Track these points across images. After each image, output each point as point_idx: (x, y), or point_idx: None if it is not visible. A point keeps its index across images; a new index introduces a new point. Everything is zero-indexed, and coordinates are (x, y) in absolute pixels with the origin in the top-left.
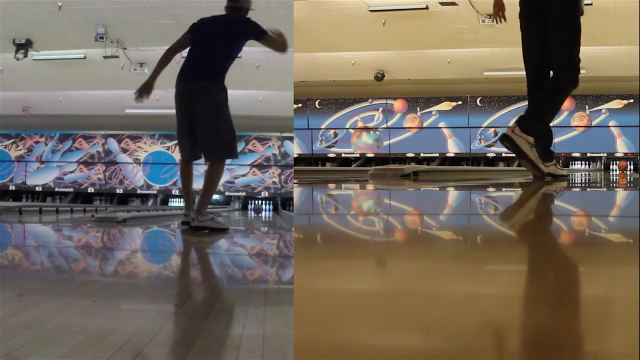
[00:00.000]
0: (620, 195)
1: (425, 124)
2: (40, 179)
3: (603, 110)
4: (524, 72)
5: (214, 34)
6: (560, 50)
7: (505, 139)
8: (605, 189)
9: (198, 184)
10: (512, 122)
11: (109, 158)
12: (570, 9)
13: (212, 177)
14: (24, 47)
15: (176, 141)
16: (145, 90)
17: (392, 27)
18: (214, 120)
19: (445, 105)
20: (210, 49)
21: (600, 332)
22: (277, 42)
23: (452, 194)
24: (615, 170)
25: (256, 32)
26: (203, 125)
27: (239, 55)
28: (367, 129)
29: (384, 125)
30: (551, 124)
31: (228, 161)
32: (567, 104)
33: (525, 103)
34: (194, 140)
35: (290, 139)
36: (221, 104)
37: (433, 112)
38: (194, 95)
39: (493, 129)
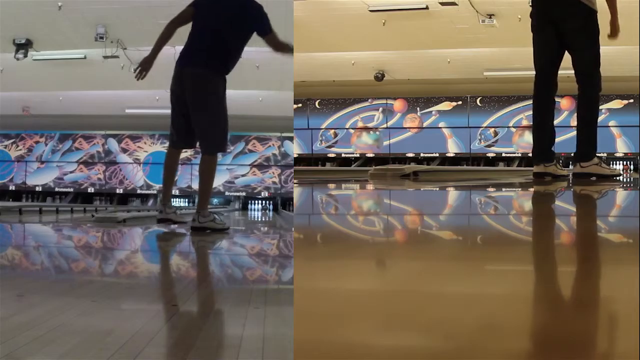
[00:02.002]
0: (621, 195)
1: (425, 124)
2: (40, 179)
3: (603, 110)
4: (524, 72)
5: (216, 13)
6: (586, 57)
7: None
8: (607, 189)
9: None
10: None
11: (109, 158)
12: (587, 15)
13: (207, 173)
14: (24, 47)
15: None
16: (145, 65)
17: (392, 27)
18: (210, 112)
19: (445, 105)
20: (212, 29)
21: (601, 332)
22: (280, 43)
23: (452, 194)
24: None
25: (260, 25)
26: (199, 115)
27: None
28: (367, 129)
29: (384, 125)
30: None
31: (228, 160)
32: (567, 103)
33: (526, 103)
34: (187, 129)
35: (290, 139)
36: (219, 95)
37: (433, 112)
38: (191, 82)
39: (493, 129)
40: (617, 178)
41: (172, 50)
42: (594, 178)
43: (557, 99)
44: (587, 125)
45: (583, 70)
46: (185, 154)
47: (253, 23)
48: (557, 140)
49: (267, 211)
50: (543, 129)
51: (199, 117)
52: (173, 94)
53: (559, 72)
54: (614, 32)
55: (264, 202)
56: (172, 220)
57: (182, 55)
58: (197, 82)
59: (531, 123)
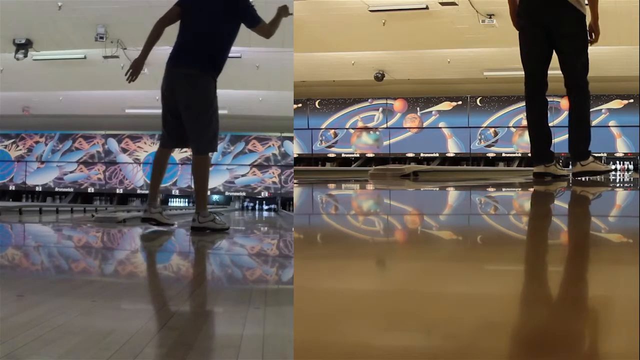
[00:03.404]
0: (621, 195)
1: (425, 124)
2: (40, 179)
3: (603, 110)
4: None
5: (204, 10)
6: (577, 62)
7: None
8: (607, 189)
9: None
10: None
11: (109, 158)
12: (578, 19)
13: (200, 173)
14: (24, 47)
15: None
16: (136, 67)
17: (392, 27)
18: (201, 112)
19: (445, 105)
20: (200, 28)
21: (600, 332)
22: (271, 30)
23: (452, 194)
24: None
25: (249, 17)
26: (190, 116)
27: (239, 55)
28: (367, 129)
29: (384, 125)
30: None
31: (228, 160)
32: (567, 103)
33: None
34: (178, 129)
35: (290, 139)
36: (209, 95)
37: (433, 112)
38: (181, 82)
39: (493, 129)
40: (614, 175)
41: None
42: (599, 177)
43: (557, 99)
44: (583, 125)
45: (574, 74)
46: (185, 153)
47: (240, 16)
48: (557, 140)
49: (258, 210)
50: (539, 129)
51: (189, 117)
52: (163, 94)
53: (559, 72)
54: (595, 36)
55: (255, 202)
56: (156, 220)
57: (171, 56)
58: (187, 82)
59: None
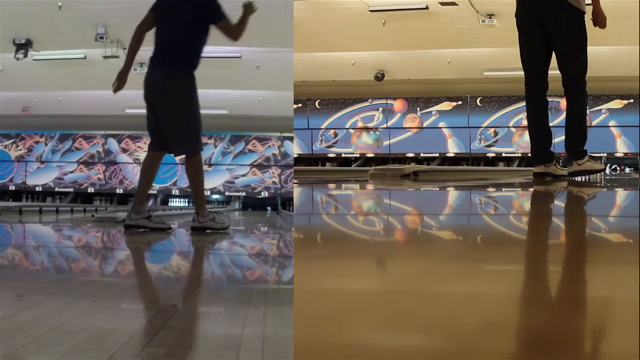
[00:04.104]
0: (620, 195)
1: (425, 124)
2: (40, 179)
3: (603, 110)
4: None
5: (173, 12)
6: (576, 62)
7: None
8: (607, 189)
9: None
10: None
11: (109, 158)
12: (578, 19)
13: (194, 173)
14: (24, 47)
15: None
16: (122, 77)
17: (392, 27)
18: (178, 112)
19: (445, 105)
20: (172, 30)
21: (600, 332)
22: (232, 30)
23: (452, 194)
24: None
25: (213, 15)
26: (166, 117)
27: (239, 55)
28: (367, 129)
29: (384, 125)
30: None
31: (228, 160)
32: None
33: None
34: (161, 132)
35: (290, 139)
36: (185, 93)
37: (433, 112)
38: (156, 83)
39: (493, 129)
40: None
41: None
42: (598, 176)
43: (557, 99)
44: (580, 125)
45: (572, 74)
46: None
47: (205, 13)
48: (557, 140)
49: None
50: (539, 129)
51: (166, 118)
52: (145, 97)
53: (559, 72)
54: (601, 21)
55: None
56: (140, 226)
57: (151, 58)
58: (163, 82)
59: None
